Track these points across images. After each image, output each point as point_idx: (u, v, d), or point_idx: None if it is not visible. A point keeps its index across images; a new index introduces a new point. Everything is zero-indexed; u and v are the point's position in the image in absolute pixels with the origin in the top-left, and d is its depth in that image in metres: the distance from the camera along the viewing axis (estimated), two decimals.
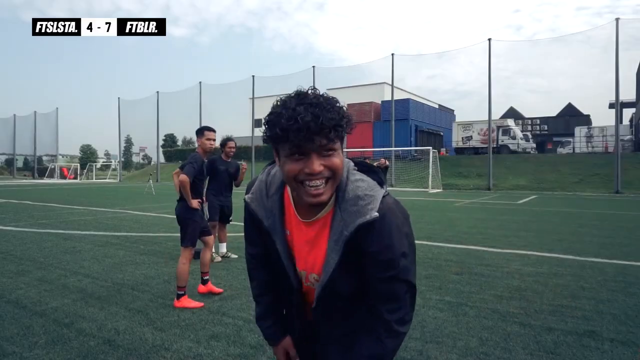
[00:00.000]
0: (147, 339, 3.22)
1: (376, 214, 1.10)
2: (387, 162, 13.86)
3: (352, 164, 1.22)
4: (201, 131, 4.38)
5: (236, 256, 6.20)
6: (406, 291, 1.20)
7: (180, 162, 36.92)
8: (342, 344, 1.31)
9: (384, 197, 1.15)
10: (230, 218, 6.26)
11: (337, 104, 1.10)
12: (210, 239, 4.39)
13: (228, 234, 6.58)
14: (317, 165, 1.07)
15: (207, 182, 5.56)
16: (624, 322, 3.58)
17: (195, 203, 4.14)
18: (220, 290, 4.43)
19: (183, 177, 4.09)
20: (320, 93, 1.12)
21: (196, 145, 4.47)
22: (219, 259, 5.99)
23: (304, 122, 1.03)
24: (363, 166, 1.23)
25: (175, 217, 4.29)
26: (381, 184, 1.18)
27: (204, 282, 4.36)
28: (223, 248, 6.23)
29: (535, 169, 27.87)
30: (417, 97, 45.29)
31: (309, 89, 1.13)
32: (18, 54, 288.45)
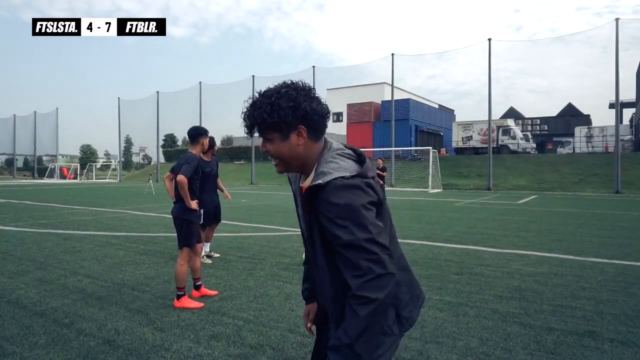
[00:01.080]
0: (147, 339, 3.21)
1: (320, 181, 1.28)
2: (382, 163, 13.79)
3: (340, 149, 1.40)
4: (206, 132, 4.42)
5: (218, 255, 6.16)
6: (359, 257, 1.23)
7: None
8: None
9: (343, 177, 1.28)
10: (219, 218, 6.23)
11: (274, 100, 1.33)
12: (199, 246, 4.36)
13: (229, 234, 6.57)
14: (262, 146, 1.40)
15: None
16: (624, 322, 3.58)
17: (194, 204, 4.11)
18: (215, 292, 4.41)
19: (181, 177, 4.02)
20: (288, 85, 1.37)
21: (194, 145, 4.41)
22: (209, 260, 5.93)
23: (245, 117, 1.39)
24: (355, 155, 1.39)
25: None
26: (355, 172, 1.32)
27: (197, 287, 4.33)
28: (207, 247, 6.11)
29: (535, 169, 27.87)
30: (417, 97, 45.30)
31: (275, 86, 1.38)
32: (18, 54, 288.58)
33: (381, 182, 12.97)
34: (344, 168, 1.32)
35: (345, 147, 1.42)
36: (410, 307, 1.47)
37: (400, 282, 1.39)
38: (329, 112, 1.42)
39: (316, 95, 1.38)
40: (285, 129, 1.35)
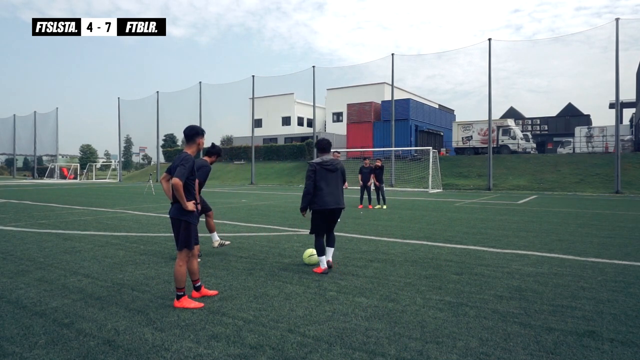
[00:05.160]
0: (147, 339, 3.21)
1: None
2: (381, 163, 14.32)
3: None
4: (202, 132, 4.38)
5: (229, 242, 6.64)
6: None
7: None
8: None
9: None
10: None
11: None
12: (197, 247, 4.34)
13: (229, 234, 6.58)
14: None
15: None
16: (624, 322, 3.58)
17: (190, 205, 4.06)
18: (215, 292, 4.40)
19: (175, 180, 3.96)
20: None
21: (192, 144, 4.36)
22: (228, 242, 6.57)
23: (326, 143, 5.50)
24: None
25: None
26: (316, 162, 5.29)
27: (197, 288, 4.32)
28: (215, 236, 6.52)
29: (535, 169, 27.88)
30: (417, 97, 45.30)
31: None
32: (18, 54, 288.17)
33: (377, 183, 14.09)
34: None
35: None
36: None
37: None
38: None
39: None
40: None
